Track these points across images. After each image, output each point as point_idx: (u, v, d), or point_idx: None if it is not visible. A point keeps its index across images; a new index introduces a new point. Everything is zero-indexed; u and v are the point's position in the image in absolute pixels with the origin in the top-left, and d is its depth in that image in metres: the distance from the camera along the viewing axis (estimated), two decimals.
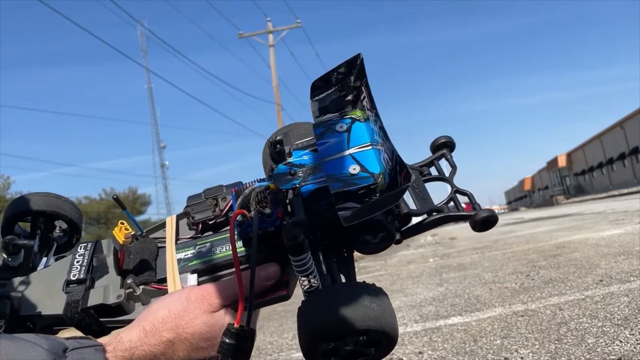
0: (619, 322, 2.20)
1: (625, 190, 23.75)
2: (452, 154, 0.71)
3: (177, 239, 0.69)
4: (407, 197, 0.63)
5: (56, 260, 0.73)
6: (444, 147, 0.71)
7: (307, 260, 0.57)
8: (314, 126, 0.64)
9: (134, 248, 0.68)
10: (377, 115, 0.60)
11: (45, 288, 0.67)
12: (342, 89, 0.64)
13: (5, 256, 0.72)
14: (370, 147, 0.58)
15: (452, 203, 0.65)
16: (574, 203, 26.23)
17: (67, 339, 0.52)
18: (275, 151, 0.64)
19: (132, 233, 0.67)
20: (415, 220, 0.64)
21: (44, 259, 0.78)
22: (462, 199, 0.66)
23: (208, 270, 0.65)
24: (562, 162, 46.91)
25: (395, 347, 0.60)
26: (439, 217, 0.63)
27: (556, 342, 2.11)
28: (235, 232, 0.61)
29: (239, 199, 0.64)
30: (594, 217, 9.19)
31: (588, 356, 1.87)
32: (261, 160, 0.79)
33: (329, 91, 0.65)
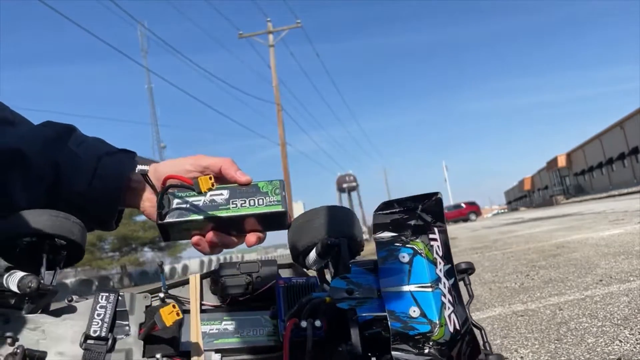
0: (619, 321, 2.20)
1: (625, 190, 23.77)
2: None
3: (201, 304, 0.70)
4: None
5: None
6: (464, 272, 0.72)
7: None
8: (377, 245, 0.65)
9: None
10: (450, 271, 0.62)
11: (59, 336, 0.62)
12: (407, 212, 0.65)
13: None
14: (430, 289, 0.59)
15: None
16: (574, 203, 26.24)
17: None
18: (324, 252, 0.66)
19: (175, 307, 0.62)
20: None
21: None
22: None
23: (232, 351, 0.67)
24: (561, 162, 46.89)
25: None
26: None
27: (556, 341, 2.11)
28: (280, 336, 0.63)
29: (295, 308, 0.64)
30: (593, 217, 9.20)
31: (588, 356, 1.87)
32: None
33: (395, 210, 0.66)
